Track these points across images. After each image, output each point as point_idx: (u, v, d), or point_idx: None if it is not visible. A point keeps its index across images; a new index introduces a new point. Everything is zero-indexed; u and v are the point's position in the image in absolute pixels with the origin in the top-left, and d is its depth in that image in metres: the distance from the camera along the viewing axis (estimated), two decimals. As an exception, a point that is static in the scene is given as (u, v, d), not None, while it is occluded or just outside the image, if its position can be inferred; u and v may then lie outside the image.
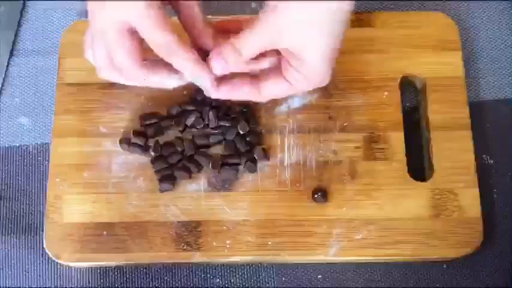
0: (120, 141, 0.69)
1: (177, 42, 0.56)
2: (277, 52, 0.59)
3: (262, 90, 0.61)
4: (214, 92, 0.60)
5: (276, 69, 0.60)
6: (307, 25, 0.54)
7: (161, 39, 0.56)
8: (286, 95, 0.62)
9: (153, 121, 0.70)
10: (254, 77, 0.61)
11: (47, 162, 0.71)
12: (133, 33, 0.56)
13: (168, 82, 0.60)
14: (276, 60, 0.60)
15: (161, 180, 0.68)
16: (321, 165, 0.69)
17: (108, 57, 0.58)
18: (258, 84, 0.60)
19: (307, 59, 0.56)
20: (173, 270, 0.68)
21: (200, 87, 0.59)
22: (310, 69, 0.57)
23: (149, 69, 0.58)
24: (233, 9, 0.75)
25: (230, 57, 0.57)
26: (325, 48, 0.56)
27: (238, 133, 0.69)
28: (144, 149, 0.69)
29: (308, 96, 0.71)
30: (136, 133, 0.70)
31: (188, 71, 0.58)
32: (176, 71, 0.58)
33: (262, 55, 0.59)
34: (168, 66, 0.58)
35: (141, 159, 0.69)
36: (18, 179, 0.71)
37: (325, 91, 0.71)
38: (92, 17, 0.58)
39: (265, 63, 0.60)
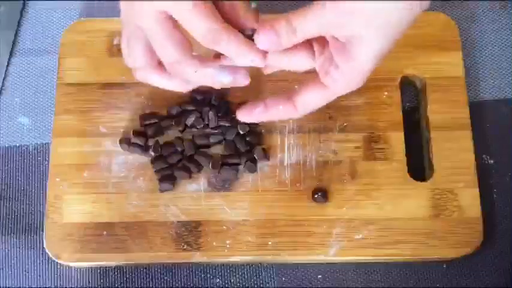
0: (120, 141, 0.69)
1: (224, 27, 0.53)
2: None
3: (298, 104, 0.59)
4: (245, 117, 0.60)
5: (310, 80, 0.58)
6: (375, 18, 0.51)
7: (207, 26, 0.53)
8: (321, 104, 0.59)
9: (153, 121, 0.70)
10: (286, 94, 0.59)
11: (47, 162, 0.71)
12: (176, 25, 0.54)
13: (220, 76, 0.57)
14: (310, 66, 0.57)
15: (161, 180, 0.68)
16: (321, 165, 0.69)
17: (149, 56, 0.57)
18: (292, 99, 0.59)
19: (356, 57, 0.54)
20: (173, 270, 0.68)
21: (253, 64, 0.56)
22: (353, 68, 0.55)
23: (201, 61, 0.56)
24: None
25: (283, 32, 0.53)
26: (379, 49, 0.53)
27: (238, 133, 0.69)
28: (144, 149, 0.69)
29: (308, 96, 0.71)
30: (136, 133, 0.70)
31: (241, 53, 0.54)
32: (224, 68, 0.56)
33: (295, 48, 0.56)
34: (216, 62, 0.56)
35: (141, 159, 0.69)
36: (18, 179, 0.71)
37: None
38: (129, 14, 0.56)
39: (301, 54, 0.56)
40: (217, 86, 0.58)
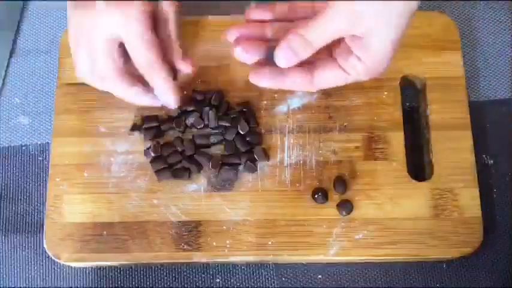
0: (132, 128, 0.70)
1: (160, 62, 0.63)
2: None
3: (316, 78, 0.59)
4: (260, 80, 0.60)
5: (328, 58, 0.59)
6: (381, 13, 0.54)
7: (147, 57, 0.63)
8: (339, 84, 0.61)
9: (153, 124, 0.70)
10: (304, 64, 0.59)
11: (47, 162, 0.71)
12: (119, 46, 0.62)
13: (142, 98, 0.66)
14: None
15: (160, 180, 0.68)
16: (321, 165, 0.69)
17: (91, 65, 0.63)
18: (310, 72, 0.59)
19: (374, 48, 0.56)
20: (173, 270, 0.68)
21: (165, 104, 0.67)
22: (373, 58, 0.57)
23: (129, 82, 0.64)
24: (233, 9, 0.75)
25: (300, 48, 0.56)
26: (393, 37, 0.56)
27: (238, 133, 0.69)
28: (158, 133, 0.70)
29: (308, 96, 0.71)
30: (148, 118, 0.70)
31: (160, 89, 0.65)
32: (150, 90, 0.65)
33: None
34: (145, 85, 0.65)
35: (141, 159, 0.69)
36: (18, 179, 0.71)
37: (325, 91, 0.71)
38: (80, 26, 0.63)
39: (296, 76, 0.60)
40: (140, 105, 0.68)
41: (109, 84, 0.65)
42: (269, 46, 0.59)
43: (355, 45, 0.57)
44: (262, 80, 0.60)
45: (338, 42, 0.58)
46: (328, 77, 0.60)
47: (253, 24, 0.61)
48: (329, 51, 0.60)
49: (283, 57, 0.57)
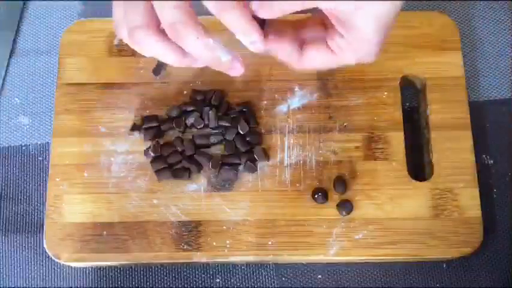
0: (132, 129, 0.69)
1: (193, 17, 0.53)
2: (320, 22, 0.57)
3: (304, 56, 0.57)
4: (262, 43, 0.55)
5: (319, 39, 0.57)
6: None
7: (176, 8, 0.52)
8: (328, 66, 0.58)
9: (153, 124, 0.70)
10: (298, 42, 0.57)
11: (47, 162, 0.71)
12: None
13: (220, 51, 0.55)
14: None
15: (160, 180, 0.68)
16: (321, 165, 0.69)
17: (148, 15, 0.54)
18: (300, 48, 0.57)
19: (356, 24, 0.53)
20: (173, 270, 0.68)
21: (245, 43, 0.54)
22: (357, 35, 0.54)
23: (205, 29, 0.54)
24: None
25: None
26: (379, 14, 0.53)
27: (238, 133, 0.69)
28: (158, 132, 0.69)
29: (308, 96, 0.71)
30: (148, 118, 0.70)
31: (239, 26, 0.53)
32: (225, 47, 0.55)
33: (302, 25, 0.57)
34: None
35: (141, 159, 0.69)
36: (18, 179, 0.71)
37: (325, 91, 0.71)
38: None
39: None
40: (213, 65, 0.56)
41: (139, 36, 0.55)
42: None
43: (337, 22, 0.54)
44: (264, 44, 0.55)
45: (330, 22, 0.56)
46: (316, 55, 0.57)
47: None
48: (323, 32, 0.58)
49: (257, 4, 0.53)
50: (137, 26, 0.55)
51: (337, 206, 0.67)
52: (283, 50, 0.57)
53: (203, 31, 0.53)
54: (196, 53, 0.55)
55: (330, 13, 0.54)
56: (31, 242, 0.69)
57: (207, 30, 0.54)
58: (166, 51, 0.55)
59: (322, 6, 0.54)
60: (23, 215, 0.70)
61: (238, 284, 0.67)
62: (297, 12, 0.53)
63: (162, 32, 0.55)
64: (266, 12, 0.54)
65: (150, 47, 0.56)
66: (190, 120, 0.69)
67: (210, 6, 0.52)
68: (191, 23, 0.53)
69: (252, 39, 0.54)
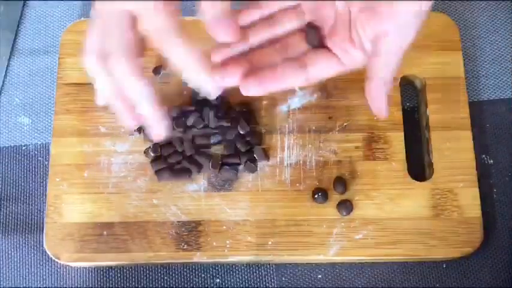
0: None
1: (177, 28, 0.54)
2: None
3: (310, 71, 0.58)
4: (250, 88, 0.56)
5: (320, 49, 0.58)
6: (398, 14, 0.54)
7: (164, 23, 0.53)
8: (334, 74, 0.59)
9: None
10: (294, 60, 0.58)
11: (47, 162, 0.71)
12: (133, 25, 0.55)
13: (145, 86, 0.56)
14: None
15: (160, 180, 0.68)
16: (321, 165, 0.69)
17: (101, 43, 0.56)
18: (302, 65, 0.58)
19: (384, 49, 0.56)
20: (173, 270, 0.68)
21: (199, 91, 0.57)
22: (380, 59, 0.57)
23: (137, 55, 0.56)
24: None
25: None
26: (405, 42, 0.57)
27: (238, 133, 0.69)
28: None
29: (308, 96, 0.71)
30: None
31: (190, 66, 0.54)
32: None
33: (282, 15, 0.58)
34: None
35: (141, 159, 0.69)
36: (18, 179, 0.71)
37: (325, 91, 0.71)
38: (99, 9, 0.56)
39: (290, 23, 0.58)
40: (135, 114, 0.58)
41: (116, 60, 0.56)
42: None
43: (363, 22, 0.56)
44: (252, 88, 0.57)
45: (334, 31, 0.58)
46: (323, 68, 0.58)
47: (237, 44, 0.58)
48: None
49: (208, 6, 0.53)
50: (121, 51, 0.55)
51: (337, 206, 0.67)
52: (286, 82, 0.58)
53: (138, 70, 0.55)
54: (125, 90, 0.56)
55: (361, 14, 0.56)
56: (31, 242, 0.69)
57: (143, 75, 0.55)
58: (105, 83, 0.57)
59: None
60: (23, 215, 0.70)
61: (238, 284, 0.67)
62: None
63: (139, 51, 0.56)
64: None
65: (96, 75, 0.57)
66: (190, 120, 0.69)
67: (153, 39, 0.53)
68: (127, 57, 0.55)
69: (202, 80, 0.55)
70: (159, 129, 0.58)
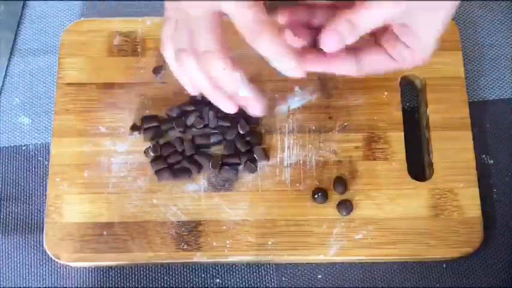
0: (132, 128, 0.69)
1: (268, 21, 0.55)
2: None
3: (362, 63, 0.58)
4: (300, 68, 0.57)
5: (374, 45, 0.59)
6: (430, 3, 0.54)
7: (252, 17, 0.55)
8: (385, 70, 0.59)
9: (153, 124, 0.70)
10: (349, 50, 0.58)
11: (47, 162, 0.71)
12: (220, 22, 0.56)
13: (243, 86, 0.59)
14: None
15: (160, 180, 0.68)
16: (321, 165, 0.69)
17: (190, 41, 0.57)
18: (355, 56, 0.58)
19: (422, 36, 0.56)
20: (173, 270, 0.68)
21: (281, 69, 0.57)
22: (421, 46, 0.57)
23: (234, 62, 0.57)
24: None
25: (346, 33, 0.55)
26: (440, 26, 0.56)
27: (238, 133, 0.69)
28: (158, 132, 0.69)
29: (308, 96, 0.71)
30: (148, 119, 0.70)
31: (274, 53, 0.55)
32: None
33: None
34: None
35: (141, 159, 0.69)
36: (18, 179, 0.71)
37: (325, 91, 0.71)
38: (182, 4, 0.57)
39: (342, 59, 0.58)
40: (233, 98, 0.60)
41: (183, 59, 0.58)
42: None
43: (402, 33, 0.56)
44: (308, 64, 0.58)
45: (384, 28, 0.58)
46: (374, 62, 0.59)
47: (303, 10, 0.59)
48: (373, 38, 0.59)
49: (328, 40, 0.55)
50: (182, 47, 0.57)
51: (337, 206, 0.67)
52: (330, 67, 0.58)
53: (231, 62, 0.57)
54: (220, 82, 0.58)
55: (397, 26, 0.56)
56: (31, 242, 0.69)
57: (236, 63, 0.57)
58: (201, 78, 0.58)
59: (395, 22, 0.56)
60: (23, 215, 0.70)
61: (238, 284, 0.67)
62: None
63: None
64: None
65: (189, 72, 0.59)
66: (190, 120, 0.69)
67: (243, 33, 0.55)
68: (221, 53, 0.56)
69: (288, 67, 0.56)
70: (260, 108, 0.61)
